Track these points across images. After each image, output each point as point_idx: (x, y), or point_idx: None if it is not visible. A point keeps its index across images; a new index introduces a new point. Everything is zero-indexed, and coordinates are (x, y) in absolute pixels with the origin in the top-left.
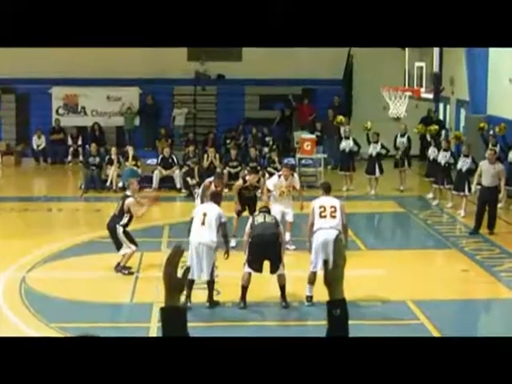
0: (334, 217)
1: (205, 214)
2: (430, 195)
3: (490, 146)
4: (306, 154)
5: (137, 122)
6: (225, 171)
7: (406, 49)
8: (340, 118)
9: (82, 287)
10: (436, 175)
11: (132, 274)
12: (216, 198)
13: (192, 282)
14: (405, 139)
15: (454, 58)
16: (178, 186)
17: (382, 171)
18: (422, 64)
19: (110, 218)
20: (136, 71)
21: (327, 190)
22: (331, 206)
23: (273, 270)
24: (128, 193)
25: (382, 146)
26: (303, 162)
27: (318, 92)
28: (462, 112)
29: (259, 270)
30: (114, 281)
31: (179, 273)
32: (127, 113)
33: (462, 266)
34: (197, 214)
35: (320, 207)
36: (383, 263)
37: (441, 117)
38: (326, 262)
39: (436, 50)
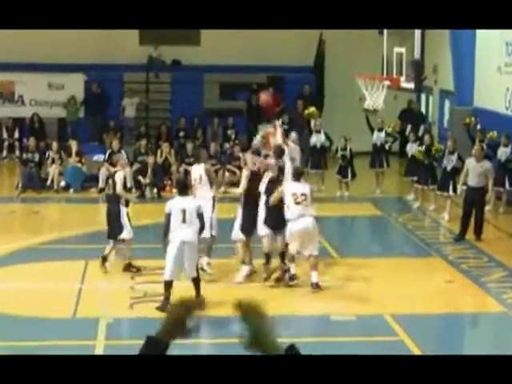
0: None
1: (184, 211)
2: (411, 196)
3: (477, 141)
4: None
5: (81, 113)
6: (181, 169)
7: (385, 33)
8: (312, 109)
9: (18, 300)
10: (418, 174)
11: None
12: (186, 189)
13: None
14: (382, 134)
15: (437, 44)
16: (129, 185)
17: (354, 175)
18: (402, 50)
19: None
20: (81, 56)
21: (297, 175)
22: (302, 194)
23: None
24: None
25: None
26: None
27: (286, 80)
28: (447, 103)
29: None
30: (55, 293)
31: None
32: (70, 103)
33: (445, 276)
34: (174, 212)
35: (293, 194)
36: (358, 273)
37: (423, 109)
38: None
39: (418, 35)
